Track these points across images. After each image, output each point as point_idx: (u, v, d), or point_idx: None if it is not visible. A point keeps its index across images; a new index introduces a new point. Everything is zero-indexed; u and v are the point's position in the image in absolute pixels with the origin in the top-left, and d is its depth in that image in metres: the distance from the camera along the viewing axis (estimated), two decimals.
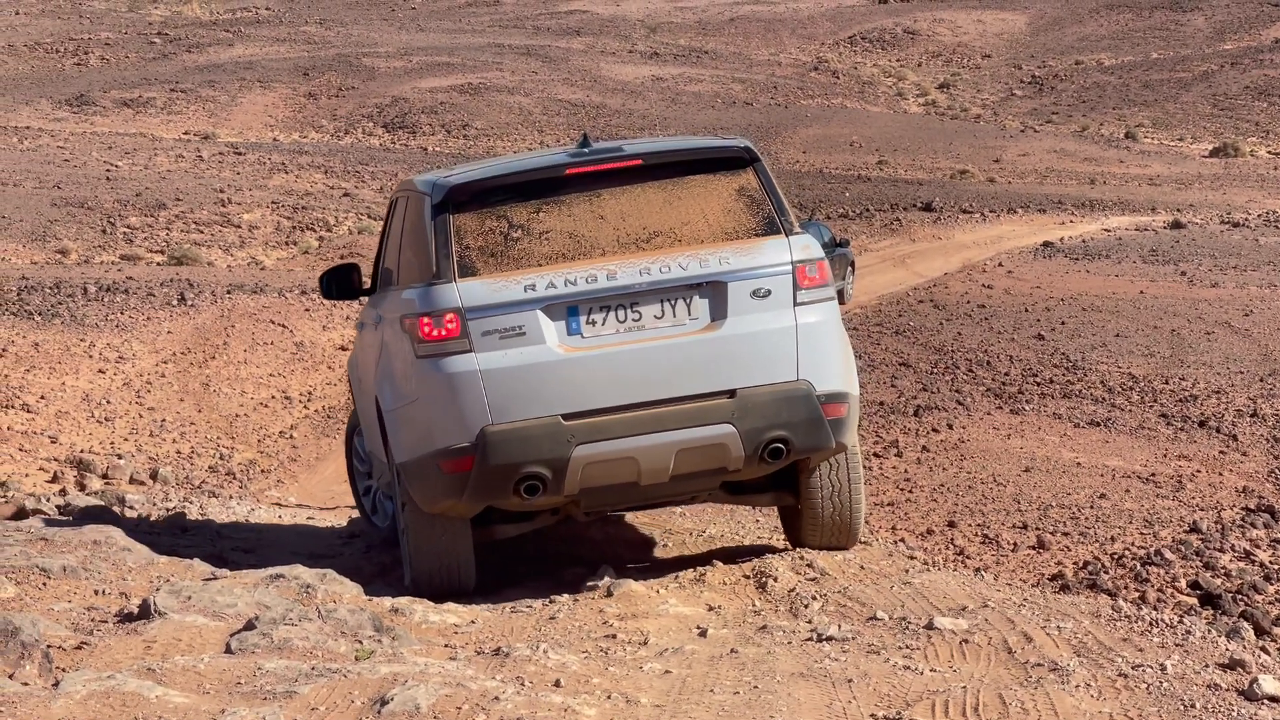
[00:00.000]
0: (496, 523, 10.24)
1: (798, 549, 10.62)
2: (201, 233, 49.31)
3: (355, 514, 13.46)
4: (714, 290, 9.47)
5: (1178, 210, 62.11)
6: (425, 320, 9.36)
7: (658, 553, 11.02)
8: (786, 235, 9.65)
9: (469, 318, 9.29)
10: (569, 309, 9.36)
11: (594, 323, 9.39)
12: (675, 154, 9.93)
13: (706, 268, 9.44)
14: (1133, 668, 7.78)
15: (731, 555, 10.69)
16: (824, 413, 9.60)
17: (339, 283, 11.69)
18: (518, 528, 10.36)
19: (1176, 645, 8.25)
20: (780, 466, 9.86)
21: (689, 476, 9.67)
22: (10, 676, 7.37)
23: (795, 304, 9.56)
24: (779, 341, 9.52)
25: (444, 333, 9.31)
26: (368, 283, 11.81)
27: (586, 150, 9.83)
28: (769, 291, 9.50)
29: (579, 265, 9.38)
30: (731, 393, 9.45)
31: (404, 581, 10.39)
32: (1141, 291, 39.50)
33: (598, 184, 9.61)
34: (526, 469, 9.34)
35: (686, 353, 9.41)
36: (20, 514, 13.03)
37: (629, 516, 12.80)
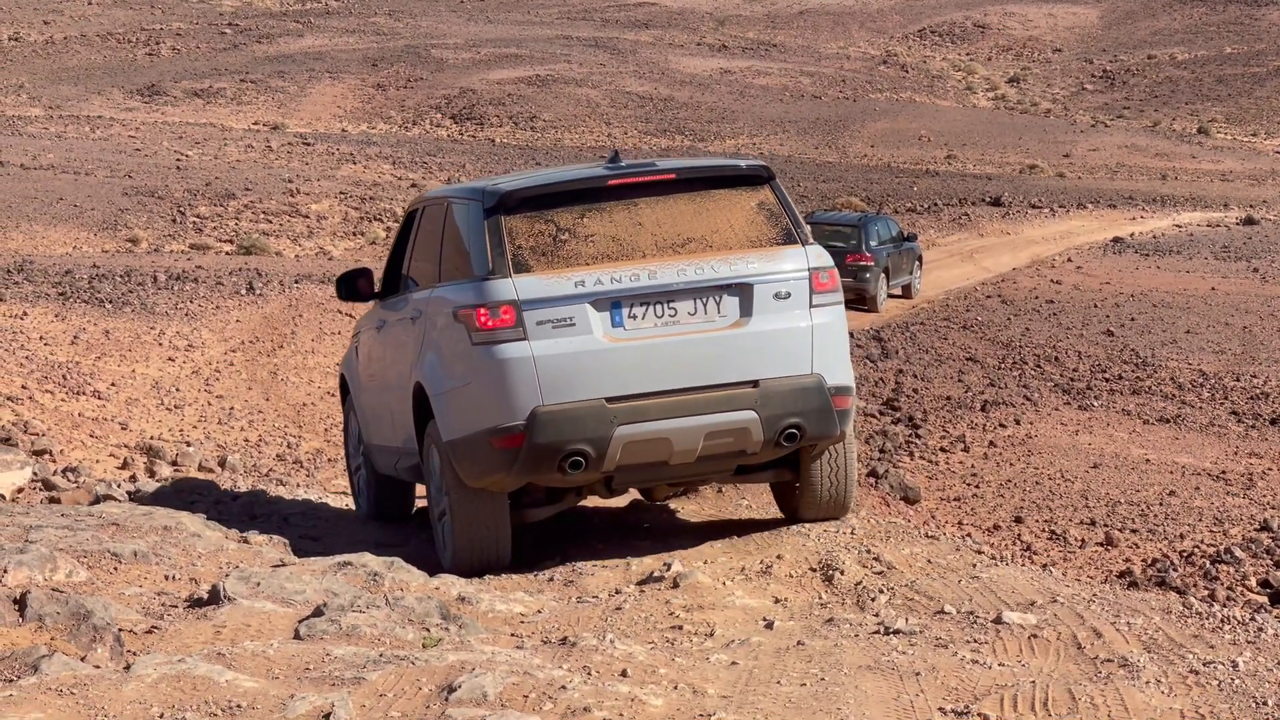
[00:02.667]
0: (526, 507, 11.03)
1: (866, 544, 10.71)
2: (270, 222, 49.59)
3: (422, 503, 13.69)
4: (742, 291, 10.41)
5: (1250, 206, 61.63)
6: (482, 311, 10.18)
7: (723, 545, 11.01)
8: (803, 245, 10.64)
9: (524, 309, 10.12)
10: (613, 303, 10.23)
11: (635, 316, 10.26)
12: (703, 170, 10.93)
13: (735, 271, 10.38)
14: (1204, 664, 7.72)
15: (798, 548, 10.67)
16: (833, 404, 10.56)
17: (350, 286, 12.66)
18: (544, 511, 11.13)
19: (1248, 642, 8.18)
20: (791, 450, 10.74)
21: (712, 458, 10.54)
22: (82, 659, 7.43)
23: (811, 306, 10.53)
24: (797, 339, 10.48)
25: (499, 322, 10.14)
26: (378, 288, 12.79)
27: (622, 164, 10.82)
28: (789, 294, 10.47)
29: (623, 265, 10.27)
30: (755, 383, 10.37)
31: (442, 561, 11.00)
32: (1213, 288, 39.21)
33: (636, 194, 10.55)
34: (572, 446, 10.14)
35: (716, 346, 10.33)
36: (95, 500, 13.16)
37: (694, 508, 12.78)
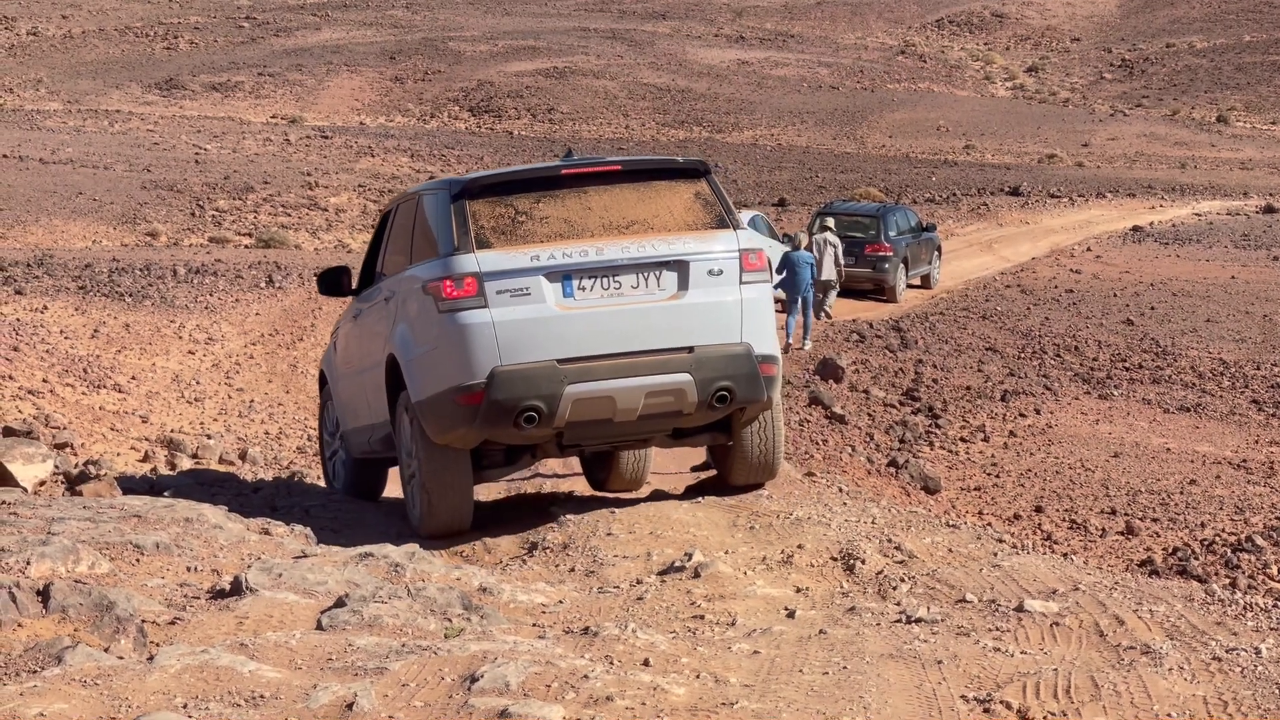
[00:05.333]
0: (486, 468, 12.13)
1: (887, 533, 10.76)
2: (289, 216, 49.64)
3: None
4: (679, 267, 11.52)
5: (1270, 194, 61.43)
6: (448, 282, 11.32)
7: (744, 535, 11.02)
8: (734, 229, 11.79)
9: (485, 280, 11.26)
10: (565, 276, 11.34)
11: (584, 288, 11.37)
12: (646, 163, 12.27)
13: (674, 249, 11.51)
14: (1227, 651, 7.70)
15: (818, 537, 10.67)
16: (760, 370, 11.64)
17: (332, 282, 13.98)
18: (502, 471, 12.35)
19: (1271, 629, 8.16)
20: (723, 414, 11.83)
21: (652, 417, 11.62)
22: (106, 650, 7.44)
23: (741, 282, 11.64)
24: (728, 311, 11.60)
25: (462, 292, 11.27)
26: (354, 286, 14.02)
27: (575, 158, 12.12)
28: (721, 271, 11.58)
29: (573, 243, 11.42)
30: (690, 349, 11.49)
31: (411, 518, 12.19)
32: (1233, 276, 39.11)
33: (586, 182, 11.74)
34: (527, 402, 11.23)
35: (656, 315, 11.45)
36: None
37: (714, 497, 12.78)
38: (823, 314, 32.64)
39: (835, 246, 32.40)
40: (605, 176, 11.79)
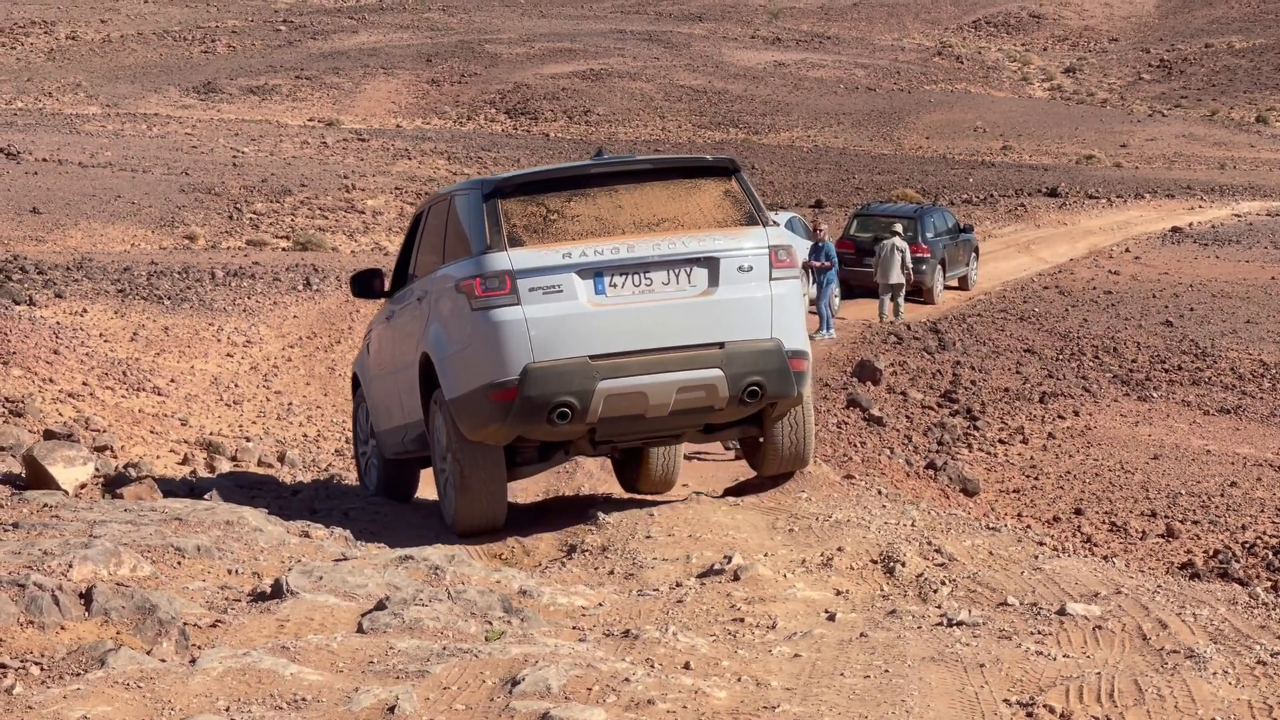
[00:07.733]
0: (519, 465, 12.29)
1: (927, 535, 10.75)
2: (326, 218, 49.74)
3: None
4: (709, 264, 11.63)
5: None
6: (481, 280, 11.43)
7: (783, 538, 10.99)
8: (764, 226, 11.90)
9: (518, 278, 11.35)
10: (596, 273, 11.44)
11: (616, 285, 11.47)
12: (676, 161, 12.29)
13: (704, 246, 11.62)
14: (1271, 655, 7.66)
15: (858, 540, 10.64)
16: (790, 365, 11.73)
17: (365, 284, 14.18)
18: (535, 468, 12.52)
19: None
20: (754, 409, 11.92)
21: (684, 412, 11.73)
22: (148, 653, 7.46)
23: (771, 279, 11.73)
24: (758, 307, 11.70)
25: (495, 290, 11.37)
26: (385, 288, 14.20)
27: (605, 158, 12.26)
28: (751, 267, 11.68)
29: (605, 240, 11.52)
30: (721, 344, 11.58)
31: (444, 515, 12.33)
32: (1273, 277, 38.93)
33: (616, 181, 11.86)
34: (559, 398, 11.34)
35: (687, 311, 11.54)
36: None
37: (753, 500, 12.77)
38: (900, 316, 33.16)
39: (902, 251, 33.05)
40: (635, 175, 11.90)
